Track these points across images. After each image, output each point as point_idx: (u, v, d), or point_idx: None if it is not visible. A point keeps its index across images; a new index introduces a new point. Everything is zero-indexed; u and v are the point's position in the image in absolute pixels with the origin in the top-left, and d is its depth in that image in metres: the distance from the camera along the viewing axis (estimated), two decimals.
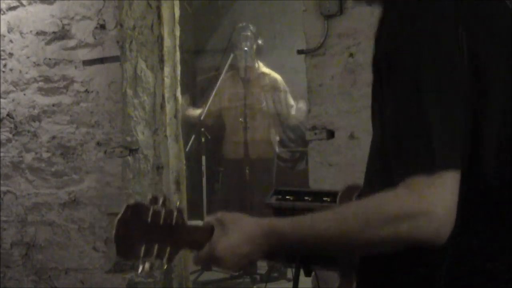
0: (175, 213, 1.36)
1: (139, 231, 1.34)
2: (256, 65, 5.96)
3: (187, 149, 5.45)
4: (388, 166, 1.27)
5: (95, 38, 4.23)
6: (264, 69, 6.02)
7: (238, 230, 1.34)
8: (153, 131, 4.31)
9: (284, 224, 1.32)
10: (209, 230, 1.38)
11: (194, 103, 6.48)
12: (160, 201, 1.36)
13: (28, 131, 4.45)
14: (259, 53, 6.01)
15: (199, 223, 5.51)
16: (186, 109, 6.04)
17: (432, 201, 1.18)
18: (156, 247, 1.34)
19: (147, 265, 1.35)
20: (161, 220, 1.35)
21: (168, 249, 1.35)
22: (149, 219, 1.34)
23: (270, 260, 1.46)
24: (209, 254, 1.36)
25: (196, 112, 6.18)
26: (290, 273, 3.82)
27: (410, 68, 1.25)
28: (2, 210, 4.54)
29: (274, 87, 5.94)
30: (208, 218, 1.40)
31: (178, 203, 1.37)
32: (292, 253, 1.37)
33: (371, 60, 1.40)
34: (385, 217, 1.20)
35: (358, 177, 3.87)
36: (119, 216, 1.34)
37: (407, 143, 1.23)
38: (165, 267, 1.38)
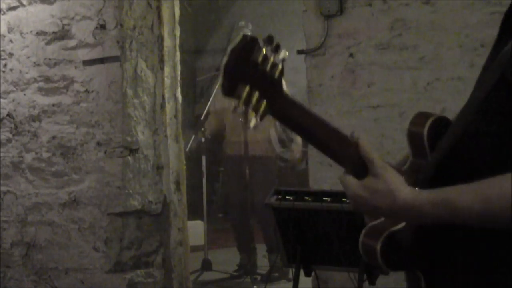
0: (280, 67, 1.27)
1: (247, 69, 1.25)
2: None
3: (187, 149, 5.45)
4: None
5: (95, 38, 4.23)
6: None
7: (385, 191, 1.30)
8: (153, 131, 4.31)
9: (424, 201, 1.27)
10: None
11: (194, 103, 6.47)
12: (274, 44, 1.26)
13: (28, 131, 4.44)
14: None
15: (199, 223, 5.55)
16: None
17: None
18: (256, 94, 1.26)
19: (243, 109, 1.27)
20: (267, 67, 1.26)
21: (264, 103, 1.28)
22: (259, 60, 1.25)
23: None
24: (355, 187, 1.32)
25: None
26: (290, 273, 3.82)
27: None
28: (2, 210, 4.53)
29: None
30: (364, 145, 1.34)
31: (286, 54, 1.24)
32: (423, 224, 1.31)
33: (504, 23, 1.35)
34: None
35: None
36: (233, 45, 1.26)
37: None
38: (256, 122, 1.28)
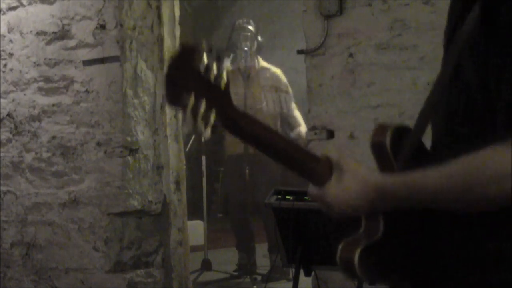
0: (224, 78, 1.25)
1: (190, 77, 1.24)
2: (256, 60, 5.96)
3: (187, 149, 5.46)
4: (479, 128, 1.24)
5: (95, 38, 4.23)
6: (264, 63, 6.01)
7: (354, 180, 1.30)
8: (153, 131, 4.31)
9: (396, 182, 1.28)
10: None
11: None
12: (215, 54, 1.25)
13: (28, 131, 4.45)
14: (259, 50, 6.01)
15: (199, 223, 5.55)
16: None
17: None
18: (204, 103, 1.23)
19: (192, 119, 1.23)
20: (211, 76, 1.25)
21: (213, 113, 1.25)
22: (201, 69, 1.24)
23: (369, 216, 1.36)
24: (321, 195, 1.33)
25: None
26: (290, 273, 3.82)
27: None
28: (2, 210, 4.54)
29: (275, 84, 5.93)
30: (325, 154, 1.35)
31: (228, 66, 1.23)
32: (395, 208, 1.29)
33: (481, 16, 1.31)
34: (491, 175, 1.17)
35: None
36: (173, 55, 1.26)
37: None
38: (207, 135, 1.24)
